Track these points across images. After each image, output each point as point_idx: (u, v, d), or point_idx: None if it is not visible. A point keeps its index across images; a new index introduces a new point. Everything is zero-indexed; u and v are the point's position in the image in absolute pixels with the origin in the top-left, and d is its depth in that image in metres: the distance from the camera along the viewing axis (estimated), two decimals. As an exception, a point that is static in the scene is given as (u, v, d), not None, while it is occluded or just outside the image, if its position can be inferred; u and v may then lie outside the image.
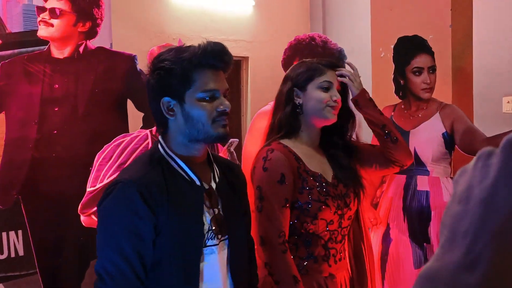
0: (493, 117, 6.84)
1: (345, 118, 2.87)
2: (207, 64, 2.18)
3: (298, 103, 2.80)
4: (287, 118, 2.82)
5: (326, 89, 2.77)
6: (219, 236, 2.25)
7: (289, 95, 2.83)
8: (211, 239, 2.23)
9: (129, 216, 2.06)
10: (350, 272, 2.87)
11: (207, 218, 2.23)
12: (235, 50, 6.93)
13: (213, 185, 2.30)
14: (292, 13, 8.58)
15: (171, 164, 2.21)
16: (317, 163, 2.79)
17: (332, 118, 2.77)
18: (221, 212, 2.28)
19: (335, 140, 2.87)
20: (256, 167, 2.75)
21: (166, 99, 2.17)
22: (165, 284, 2.14)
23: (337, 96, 2.75)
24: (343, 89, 2.85)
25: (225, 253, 2.28)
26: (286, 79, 2.88)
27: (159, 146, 2.25)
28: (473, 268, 0.90)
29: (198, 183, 2.22)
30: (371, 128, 2.95)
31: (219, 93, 2.20)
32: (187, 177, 2.21)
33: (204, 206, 2.23)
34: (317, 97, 2.77)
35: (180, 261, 2.13)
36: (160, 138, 2.27)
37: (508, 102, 7.08)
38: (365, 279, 2.90)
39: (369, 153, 2.94)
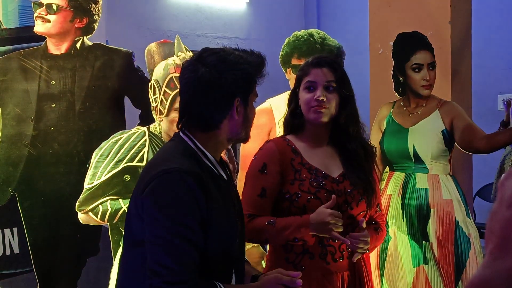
0: (488, 114, 6.87)
1: (349, 117, 2.84)
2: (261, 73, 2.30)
3: (299, 103, 2.82)
4: (288, 118, 2.88)
5: (310, 89, 2.76)
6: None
7: (292, 96, 2.88)
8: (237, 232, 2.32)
9: (191, 203, 2.08)
10: (354, 273, 2.85)
11: None
12: (230, 47, 6.92)
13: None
14: (286, 10, 8.58)
15: (202, 159, 2.22)
16: (320, 159, 2.80)
17: (318, 119, 2.75)
18: (235, 205, 2.35)
19: (344, 139, 2.84)
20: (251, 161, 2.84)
21: (238, 98, 2.22)
22: (203, 276, 2.15)
23: (317, 95, 2.73)
24: (341, 84, 2.81)
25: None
26: (295, 79, 2.92)
27: (188, 140, 2.25)
28: None
29: (225, 177, 2.30)
30: None
31: None
32: (216, 172, 2.25)
33: None
34: (302, 98, 2.78)
35: (219, 251, 2.18)
36: (188, 133, 2.27)
37: (503, 100, 7.10)
38: (364, 280, 2.90)
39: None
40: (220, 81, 2.18)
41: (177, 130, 2.32)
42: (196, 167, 2.14)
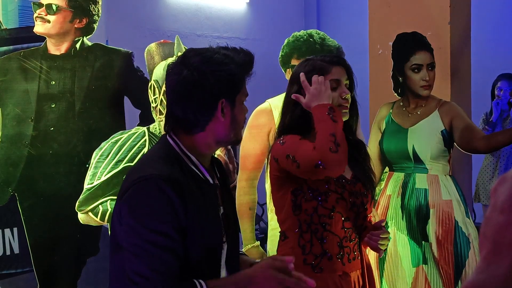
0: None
1: (356, 115, 2.84)
2: (249, 72, 2.25)
3: None
4: (296, 121, 2.78)
5: (334, 89, 2.71)
6: (226, 233, 2.28)
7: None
8: (223, 236, 2.26)
9: (167, 211, 2.04)
10: (364, 272, 2.86)
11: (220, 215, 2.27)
12: (230, 47, 6.90)
13: (217, 182, 2.32)
14: (286, 10, 8.57)
15: (187, 163, 2.19)
16: None
17: (345, 117, 2.74)
18: (225, 209, 2.31)
19: (348, 137, 2.82)
20: (273, 150, 2.74)
21: (223, 100, 2.17)
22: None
23: (346, 93, 2.70)
24: (351, 83, 2.80)
25: (225, 249, 2.30)
26: (292, 80, 2.83)
27: (173, 144, 2.22)
28: None
29: (211, 181, 2.24)
30: None
31: None
32: (202, 176, 2.21)
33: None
34: None
35: (202, 256, 2.15)
36: (173, 136, 2.23)
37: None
38: (374, 278, 2.91)
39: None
40: (203, 83, 2.13)
41: None
42: (177, 173, 2.10)
